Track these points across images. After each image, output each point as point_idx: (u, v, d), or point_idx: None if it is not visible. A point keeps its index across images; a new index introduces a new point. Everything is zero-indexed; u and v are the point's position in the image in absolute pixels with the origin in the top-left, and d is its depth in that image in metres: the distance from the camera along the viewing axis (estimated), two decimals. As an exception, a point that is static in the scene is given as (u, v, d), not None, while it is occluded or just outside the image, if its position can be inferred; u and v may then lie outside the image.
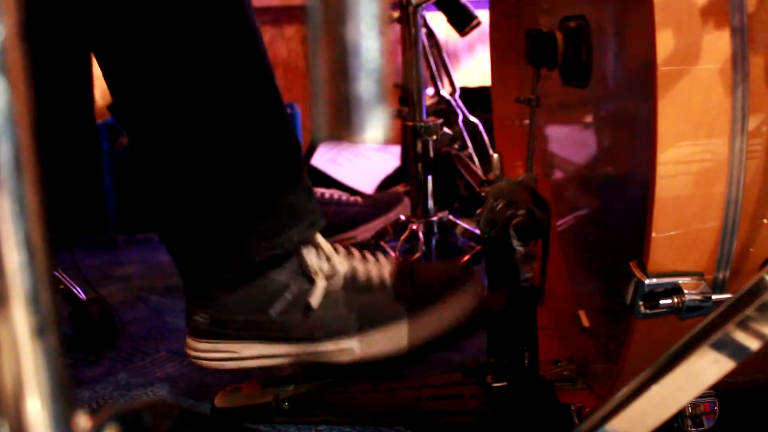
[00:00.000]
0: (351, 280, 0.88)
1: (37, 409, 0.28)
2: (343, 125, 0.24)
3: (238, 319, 0.87)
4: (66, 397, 0.28)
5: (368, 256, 0.91)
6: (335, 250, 0.89)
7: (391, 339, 0.86)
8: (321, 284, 0.86)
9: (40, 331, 0.27)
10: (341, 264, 0.88)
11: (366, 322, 0.86)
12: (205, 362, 0.90)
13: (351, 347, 0.86)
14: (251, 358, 0.88)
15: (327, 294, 0.87)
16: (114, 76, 0.86)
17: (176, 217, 0.89)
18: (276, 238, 0.85)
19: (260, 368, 0.90)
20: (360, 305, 0.87)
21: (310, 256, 0.87)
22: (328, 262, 0.87)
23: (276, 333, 0.87)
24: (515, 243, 0.74)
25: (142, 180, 0.91)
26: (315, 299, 0.86)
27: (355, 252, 0.91)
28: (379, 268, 0.90)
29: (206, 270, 0.88)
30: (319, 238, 0.88)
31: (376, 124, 0.24)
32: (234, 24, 0.84)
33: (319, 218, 0.88)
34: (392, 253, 1.31)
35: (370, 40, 0.24)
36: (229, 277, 0.87)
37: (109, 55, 0.85)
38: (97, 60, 0.86)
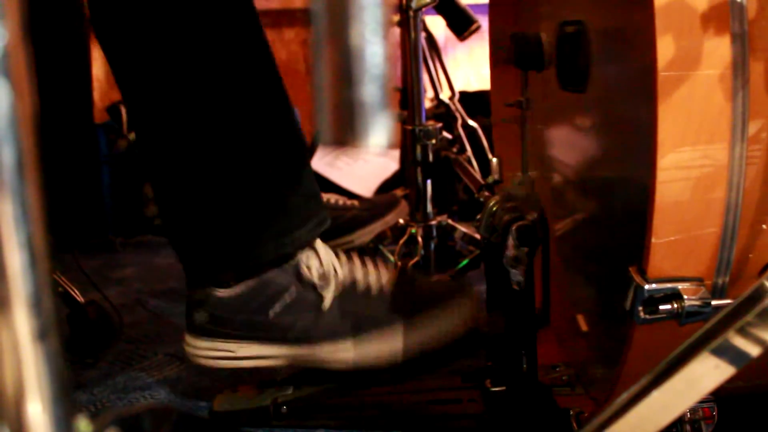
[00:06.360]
0: (349, 285, 0.88)
1: (38, 413, 0.28)
2: (346, 130, 0.24)
3: (237, 319, 0.88)
4: (67, 400, 0.28)
5: (368, 262, 0.92)
6: (336, 255, 0.90)
7: (386, 344, 0.87)
8: (319, 287, 0.87)
9: (41, 335, 0.27)
10: (340, 269, 0.89)
11: (362, 327, 0.87)
12: (202, 360, 0.90)
13: (346, 351, 0.87)
14: (247, 358, 0.89)
15: (325, 298, 0.87)
16: (124, 80, 0.87)
17: (183, 212, 0.90)
18: (284, 236, 0.86)
19: (255, 369, 0.90)
20: (357, 310, 0.88)
21: (310, 261, 0.87)
22: (327, 266, 0.88)
23: (273, 334, 0.87)
24: (508, 244, 0.74)
25: (149, 176, 0.92)
26: (315, 302, 0.87)
27: (355, 258, 0.92)
28: (378, 275, 0.91)
29: (211, 265, 0.88)
30: (319, 244, 0.89)
31: (380, 128, 0.24)
32: (242, 25, 0.84)
33: (325, 218, 0.90)
34: (391, 258, 1.31)
35: (373, 45, 0.24)
36: (232, 274, 0.87)
37: (120, 64, 0.87)
38: (110, 64, 0.87)
